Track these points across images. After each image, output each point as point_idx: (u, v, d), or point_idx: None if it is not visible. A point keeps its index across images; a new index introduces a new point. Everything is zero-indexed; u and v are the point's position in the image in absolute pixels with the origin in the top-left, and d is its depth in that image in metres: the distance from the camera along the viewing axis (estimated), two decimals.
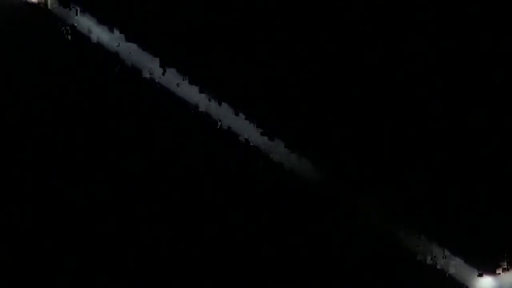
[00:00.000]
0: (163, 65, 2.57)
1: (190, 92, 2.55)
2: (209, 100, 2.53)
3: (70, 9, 2.47)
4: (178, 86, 2.52)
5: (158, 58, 2.57)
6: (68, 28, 2.55)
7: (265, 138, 2.53)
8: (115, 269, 2.44)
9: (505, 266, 2.39)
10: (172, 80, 2.55)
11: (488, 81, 2.57)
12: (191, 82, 2.55)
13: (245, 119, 2.53)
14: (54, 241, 2.46)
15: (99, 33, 2.56)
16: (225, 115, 2.54)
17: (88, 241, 2.46)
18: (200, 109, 2.54)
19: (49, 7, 2.54)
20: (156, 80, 2.56)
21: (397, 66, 2.59)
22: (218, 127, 2.53)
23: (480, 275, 2.38)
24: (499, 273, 2.38)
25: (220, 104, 2.54)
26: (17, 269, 2.43)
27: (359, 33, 2.61)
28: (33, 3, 2.56)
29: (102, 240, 2.46)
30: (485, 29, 2.58)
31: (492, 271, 2.40)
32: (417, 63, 2.60)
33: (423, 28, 2.60)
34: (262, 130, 2.53)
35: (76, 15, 2.54)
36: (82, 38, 2.59)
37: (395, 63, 2.60)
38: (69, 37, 2.55)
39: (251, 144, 2.52)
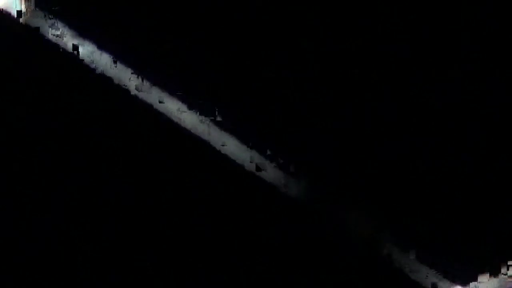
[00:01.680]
0: (142, 77, 2.59)
1: (174, 109, 2.57)
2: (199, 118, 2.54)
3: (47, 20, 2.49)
4: (161, 101, 2.54)
5: (133, 71, 2.58)
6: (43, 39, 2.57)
7: (250, 150, 2.55)
8: (115, 269, 2.45)
9: (484, 276, 2.39)
10: (155, 95, 2.57)
11: (488, 81, 2.57)
12: (178, 99, 2.57)
13: (231, 134, 2.54)
14: (53, 241, 2.47)
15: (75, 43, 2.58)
16: (211, 132, 2.56)
17: (85, 242, 2.47)
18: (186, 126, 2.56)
19: (23, 19, 2.57)
20: (136, 93, 2.58)
21: (390, 75, 2.60)
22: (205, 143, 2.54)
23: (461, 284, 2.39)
24: (478, 283, 2.39)
25: (208, 121, 2.55)
26: (17, 269, 2.44)
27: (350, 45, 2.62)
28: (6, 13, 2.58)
29: (100, 241, 2.47)
30: (485, 29, 2.59)
31: (469, 281, 2.40)
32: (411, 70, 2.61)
33: (423, 28, 2.61)
34: (249, 144, 2.54)
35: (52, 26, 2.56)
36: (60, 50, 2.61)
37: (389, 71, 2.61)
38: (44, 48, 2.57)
39: (237, 161, 2.53)
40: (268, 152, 2.53)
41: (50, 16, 2.57)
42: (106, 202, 2.50)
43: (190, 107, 2.55)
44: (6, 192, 2.51)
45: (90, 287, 2.43)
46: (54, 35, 2.55)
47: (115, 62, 2.55)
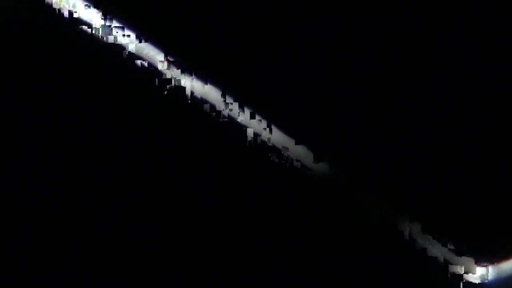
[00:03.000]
0: (168, 60, 2.59)
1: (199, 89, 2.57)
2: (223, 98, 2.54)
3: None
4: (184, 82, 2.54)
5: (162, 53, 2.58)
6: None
7: (269, 132, 2.56)
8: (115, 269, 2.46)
9: (502, 256, 2.42)
10: (178, 76, 2.57)
11: (488, 82, 2.59)
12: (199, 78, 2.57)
13: (252, 116, 2.55)
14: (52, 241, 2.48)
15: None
16: (232, 111, 2.56)
17: (85, 241, 2.48)
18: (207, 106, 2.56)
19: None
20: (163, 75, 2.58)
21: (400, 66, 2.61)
22: (224, 123, 2.55)
23: (478, 264, 2.42)
24: (496, 263, 2.42)
25: (227, 100, 2.55)
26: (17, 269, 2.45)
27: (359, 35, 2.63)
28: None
29: (100, 240, 2.48)
30: (485, 29, 2.60)
31: (489, 261, 2.43)
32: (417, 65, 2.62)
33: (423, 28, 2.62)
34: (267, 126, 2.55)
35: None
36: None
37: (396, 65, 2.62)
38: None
39: (258, 141, 2.54)
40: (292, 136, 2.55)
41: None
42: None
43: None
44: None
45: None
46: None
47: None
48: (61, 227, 2.47)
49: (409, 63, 2.62)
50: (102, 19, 2.57)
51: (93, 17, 2.58)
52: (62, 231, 2.47)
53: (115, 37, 2.57)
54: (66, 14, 2.58)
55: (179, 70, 2.57)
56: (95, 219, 2.48)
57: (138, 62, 2.56)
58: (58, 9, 2.57)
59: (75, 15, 2.58)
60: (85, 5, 2.57)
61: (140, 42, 2.57)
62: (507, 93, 2.58)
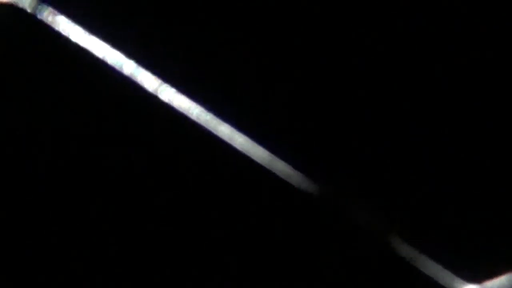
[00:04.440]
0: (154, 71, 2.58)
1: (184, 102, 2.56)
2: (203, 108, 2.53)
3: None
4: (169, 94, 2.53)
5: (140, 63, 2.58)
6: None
7: (256, 145, 2.54)
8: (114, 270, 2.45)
9: (491, 274, 2.40)
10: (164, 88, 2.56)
11: (488, 82, 2.58)
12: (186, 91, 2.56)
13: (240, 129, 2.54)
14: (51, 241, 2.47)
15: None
16: (215, 123, 2.55)
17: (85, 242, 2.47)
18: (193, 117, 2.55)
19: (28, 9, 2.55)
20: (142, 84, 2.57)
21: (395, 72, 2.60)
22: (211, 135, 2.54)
23: (467, 282, 2.40)
24: (486, 281, 2.40)
25: (212, 111, 2.55)
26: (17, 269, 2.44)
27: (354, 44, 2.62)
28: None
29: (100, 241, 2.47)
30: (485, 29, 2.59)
31: (478, 279, 2.41)
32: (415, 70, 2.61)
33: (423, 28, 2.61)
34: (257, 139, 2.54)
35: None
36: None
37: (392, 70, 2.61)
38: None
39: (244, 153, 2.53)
40: (279, 148, 2.53)
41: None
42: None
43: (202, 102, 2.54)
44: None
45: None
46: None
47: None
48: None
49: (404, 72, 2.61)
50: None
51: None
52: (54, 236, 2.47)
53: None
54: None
55: (158, 78, 2.57)
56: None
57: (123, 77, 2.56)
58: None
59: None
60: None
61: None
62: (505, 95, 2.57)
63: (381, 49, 2.58)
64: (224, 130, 2.53)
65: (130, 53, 2.54)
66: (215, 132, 2.52)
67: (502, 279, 2.39)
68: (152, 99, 2.54)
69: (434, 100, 2.56)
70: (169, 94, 2.54)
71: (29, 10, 2.54)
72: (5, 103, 2.53)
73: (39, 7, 2.54)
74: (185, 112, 2.53)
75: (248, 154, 2.51)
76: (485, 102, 2.56)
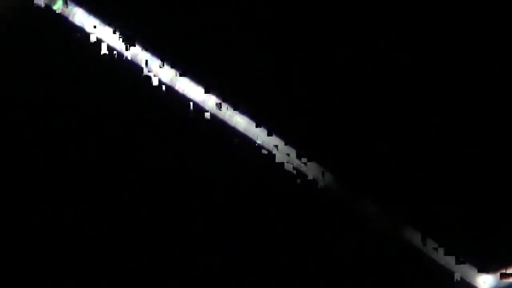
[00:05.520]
0: (164, 63, 2.58)
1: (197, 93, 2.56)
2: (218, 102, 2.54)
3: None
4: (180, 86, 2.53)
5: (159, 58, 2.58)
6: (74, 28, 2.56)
7: (267, 136, 2.55)
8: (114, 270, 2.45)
9: (505, 265, 2.41)
10: (175, 79, 2.57)
11: (488, 83, 2.59)
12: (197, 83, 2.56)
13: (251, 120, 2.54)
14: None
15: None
16: (228, 115, 2.56)
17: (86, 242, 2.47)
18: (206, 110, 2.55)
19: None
20: (159, 80, 2.57)
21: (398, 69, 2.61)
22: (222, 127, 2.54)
23: (481, 272, 2.41)
24: (498, 271, 2.41)
25: (222, 104, 2.55)
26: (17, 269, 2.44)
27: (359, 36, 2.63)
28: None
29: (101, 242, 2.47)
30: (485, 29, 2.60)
31: (492, 269, 2.42)
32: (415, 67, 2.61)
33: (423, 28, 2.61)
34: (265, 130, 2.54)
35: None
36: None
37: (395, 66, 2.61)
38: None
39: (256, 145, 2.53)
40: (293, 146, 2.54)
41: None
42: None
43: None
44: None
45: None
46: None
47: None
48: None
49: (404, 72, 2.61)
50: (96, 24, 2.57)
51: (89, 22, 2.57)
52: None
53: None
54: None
55: (172, 72, 2.57)
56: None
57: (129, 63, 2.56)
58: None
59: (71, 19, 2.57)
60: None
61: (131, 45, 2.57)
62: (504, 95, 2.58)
63: (384, 49, 2.59)
64: (239, 121, 2.54)
65: (146, 46, 2.55)
66: (230, 123, 2.53)
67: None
68: (167, 90, 2.54)
69: (439, 99, 2.57)
70: (185, 86, 2.54)
71: (44, 2, 2.55)
72: (19, 94, 2.53)
73: None
74: (201, 104, 2.54)
75: (261, 146, 2.52)
76: (486, 102, 2.56)
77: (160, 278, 2.45)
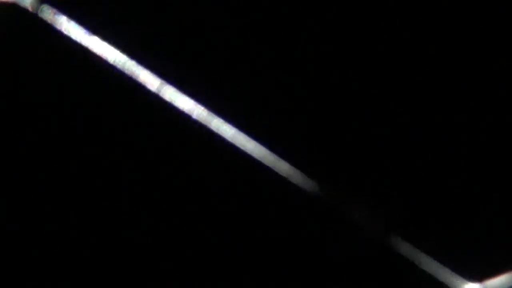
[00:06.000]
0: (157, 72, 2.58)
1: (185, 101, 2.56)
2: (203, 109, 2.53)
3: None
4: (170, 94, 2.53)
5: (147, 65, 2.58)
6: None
7: (257, 146, 2.54)
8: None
9: (492, 273, 2.40)
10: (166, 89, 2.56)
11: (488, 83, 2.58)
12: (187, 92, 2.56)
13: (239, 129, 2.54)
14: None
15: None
16: (216, 123, 2.55)
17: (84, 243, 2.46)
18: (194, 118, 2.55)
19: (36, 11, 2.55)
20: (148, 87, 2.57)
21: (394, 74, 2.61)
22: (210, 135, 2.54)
23: (468, 281, 2.40)
24: (486, 280, 2.40)
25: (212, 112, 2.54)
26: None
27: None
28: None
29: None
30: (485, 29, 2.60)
31: (480, 278, 2.41)
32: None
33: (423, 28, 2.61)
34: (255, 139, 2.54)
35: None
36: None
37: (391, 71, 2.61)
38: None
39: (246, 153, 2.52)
40: (280, 149, 2.53)
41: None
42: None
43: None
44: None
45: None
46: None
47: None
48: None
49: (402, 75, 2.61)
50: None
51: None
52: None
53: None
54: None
55: (159, 81, 2.57)
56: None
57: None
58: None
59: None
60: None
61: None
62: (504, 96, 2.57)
63: (382, 49, 2.59)
64: (226, 130, 2.53)
65: (131, 53, 2.54)
66: (217, 132, 2.52)
67: (503, 278, 2.40)
68: (153, 99, 2.54)
69: (435, 99, 2.57)
70: (170, 94, 2.54)
71: (30, 10, 2.54)
72: (5, 102, 2.53)
73: (41, 6, 2.54)
74: (187, 112, 2.53)
75: (250, 153, 2.51)
76: (485, 102, 2.56)
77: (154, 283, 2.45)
